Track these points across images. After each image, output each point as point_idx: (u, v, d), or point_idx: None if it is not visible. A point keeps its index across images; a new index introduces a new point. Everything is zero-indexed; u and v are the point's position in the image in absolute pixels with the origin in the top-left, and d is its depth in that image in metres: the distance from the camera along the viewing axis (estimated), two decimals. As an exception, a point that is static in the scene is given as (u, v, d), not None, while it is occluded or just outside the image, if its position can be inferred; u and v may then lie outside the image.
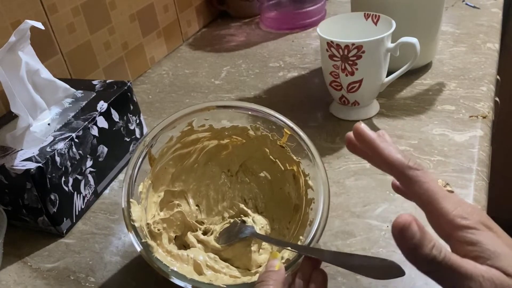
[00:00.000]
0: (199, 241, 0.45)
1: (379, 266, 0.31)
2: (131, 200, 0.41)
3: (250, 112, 0.45)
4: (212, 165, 0.50)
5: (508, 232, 0.30)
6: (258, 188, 0.49)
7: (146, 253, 0.39)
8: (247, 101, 0.46)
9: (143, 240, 0.39)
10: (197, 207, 0.49)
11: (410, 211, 0.47)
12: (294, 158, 0.45)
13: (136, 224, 0.40)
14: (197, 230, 0.46)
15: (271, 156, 0.48)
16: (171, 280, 0.37)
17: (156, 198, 0.46)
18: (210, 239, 0.44)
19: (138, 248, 0.39)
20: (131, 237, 0.39)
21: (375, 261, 0.32)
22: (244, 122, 0.47)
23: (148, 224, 0.42)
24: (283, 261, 0.38)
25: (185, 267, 0.41)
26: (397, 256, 0.43)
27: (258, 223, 0.45)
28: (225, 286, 0.37)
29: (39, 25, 0.49)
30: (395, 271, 0.30)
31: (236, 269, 0.42)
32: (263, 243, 0.44)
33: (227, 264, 0.42)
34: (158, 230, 0.43)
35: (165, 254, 0.41)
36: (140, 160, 0.43)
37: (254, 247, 0.43)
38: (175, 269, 0.38)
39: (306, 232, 0.40)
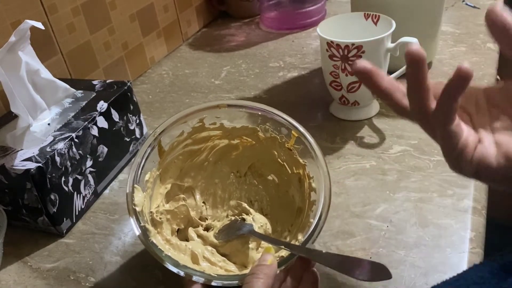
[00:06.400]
0: (199, 236, 0.45)
1: (368, 268, 0.32)
2: (135, 186, 0.41)
3: (259, 113, 0.45)
4: (222, 165, 0.50)
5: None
6: (264, 191, 0.50)
7: (144, 237, 0.39)
8: (250, 101, 0.46)
9: (142, 224, 0.40)
10: (203, 204, 0.49)
11: (411, 212, 0.47)
12: (301, 161, 0.45)
13: (137, 209, 0.40)
14: (199, 226, 0.46)
15: (279, 159, 0.48)
16: (165, 265, 0.38)
17: (162, 190, 0.46)
18: (209, 235, 0.45)
19: (137, 232, 0.39)
20: (132, 221, 0.40)
21: (364, 263, 0.33)
22: (246, 122, 0.47)
23: (151, 212, 0.43)
24: (277, 257, 0.38)
25: (182, 256, 0.41)
26: (396, 256, 0.43)
27: (258, 221, 0.45)
28: (215, 275, 0.37)
29: (39, 25, 0.49)
30: (383, 274, 0.31)
31: (233, 264, 0.43)
32: (264, 244, 0.44)
33: (223, 258, 0.43)
34: (160, 218, 0.43)
35: (163, 242, 0.42)
36: (149, 150, 0.44)
37: (252, 245, 0.43)
38: (169, 254, 0.39)
39: (304, 233, 0.40)
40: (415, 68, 0.29)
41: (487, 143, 0.30)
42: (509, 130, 0.31)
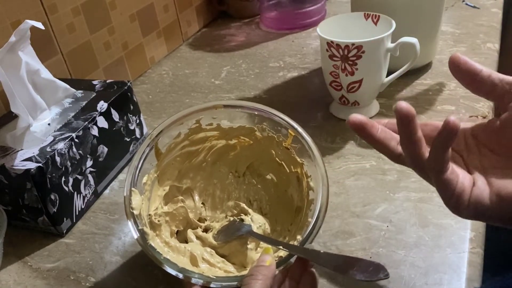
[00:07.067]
0: (198, 237, 0.45)
1: (366, 268, 0.32)
2: (132, 189, 0.42)
3: (256, 112, 0.45)
4: (220, 165, 0.50)
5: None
6: (263, 190, 0.50)
7: (142, 241, 0.39)
8: (247, 101, 0.46)
9: (140, 228, 0.40)
10: (202, 205, 0.49)
11: (410, 212, 0.47)
12: (298, 160, 0.45)
13: (135, 212, 0.41)
14: (197, 228, 0.46)
15: (277, 158, 0.48)
16: (164, 268, 0.38)
17: (161, 192, 0.47)
18: (208, 236, 0.45)
19: (135, 235, 0.39)
20: (130, 224, 0.40)
21: (362, 263, 0.33)
22: (244, 122, 0.47)
23: (149, 215, 0.43)
24: (276, 258, 0.38)
25: (181, 258, 0.41)
26: (396, 256, 0.43)
27: (256, 221, 0.45)
28: (214, 277, 0.37)
29: (39, 25, 0.49)
30: (381, 273, 0.31)
31: (232, 265, 0.43)
32: (263, 245, 0.44)
33: (223, 259, 0.43)
34: (159, 221, 0.43)
35: (162, 245, 0.42)
36: (146, 152, 0.44)
37: (251, 245, 0.43)
38: (168, 257, 0.39)
39: (303, 232, 0.40)
40: (405, 124, 0.30)
41: (480, 184, 0.31)
42: (498, 168, 0.32)
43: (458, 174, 0.31)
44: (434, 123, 0.36)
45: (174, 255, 0.41)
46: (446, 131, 0.28)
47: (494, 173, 0.32)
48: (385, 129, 0.35)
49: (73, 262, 0.48)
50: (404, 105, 0.29)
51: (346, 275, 0.33)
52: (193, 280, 0.37)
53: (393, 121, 0.34)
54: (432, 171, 0.30)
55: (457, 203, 0.31)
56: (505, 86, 0.31)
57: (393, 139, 0.34)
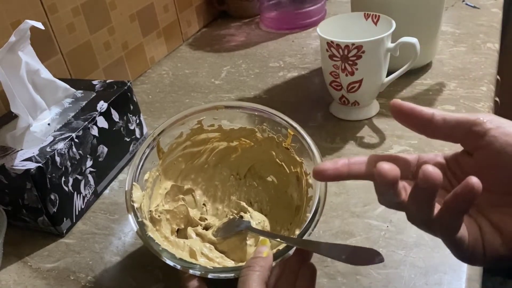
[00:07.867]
0: (197, 234, 0.46)
1: (361, 254, 0.33)
2: (134, 183, 0.42)
3: (256, 113, 0.46)
4: (221, 167, 0.51)
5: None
6: (264, 192, 0.50)
7: (141, 232, 0.39)
8: (247, 101, 0.47)
9: (140, 220, 0.40)
10: (203, 205, 0.50)
11: (410, 211, 0.47)
12: (298, 159, 0.45)
13: (136, 205, 0.41)
14: (198, 226, 0.47)
15: (277, 159, 0.48)
16: (162, 259, 0.38)
17: (162, 190, 0.47)
18: (208, 233, 0.45)
19: (135, 227, 0.39)
20: (130, 217, 0.40)
21: (357, 249, 0.33)
22: (244, 122, 0.47)
23: (150, 211, 0.43)
24: (274, 250, 0.38)
25: (180, 252, 0.41)
26: (396, 256, 0.43)
27: (255, 218, 0.45)
28: (212, 267, 0.37)
29: (39, 25, 0.49)
30: (376, 258, 0.32)
31: (231, 260, 0.43)
32: (260, 237, 0.44)
33: (221, 255, 0.43)
34: (159, 216, 0.43)
35: (162, 239, 0.42)
36: (148, 150, 0.44)
37: (250, 241, 0.43)
38: (166, 248, 0.39)
39: (301, 227, 0.40)
40: (430, 192, 0.26)
41: (487, 229, 0.29)
42: (494, 206, 0.29)
43: (465, 226, 0.28)
44: (404, 157, 0.33)
45: (173, 249, 0.41)
46: (470, 194, 0.24)
47: (492, 212, 0.29)
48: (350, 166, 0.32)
49: (73, 262, 0.48)
50: (431, 169, 0.25)
51: (342, 262, 0.33)
52: (191, 271, 0.37)
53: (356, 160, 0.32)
54: (445, 233, 0.28)
55: (472, 257, 0.29)
56: (464, 126, 0.29)
57: (361, 165, 0.32)
